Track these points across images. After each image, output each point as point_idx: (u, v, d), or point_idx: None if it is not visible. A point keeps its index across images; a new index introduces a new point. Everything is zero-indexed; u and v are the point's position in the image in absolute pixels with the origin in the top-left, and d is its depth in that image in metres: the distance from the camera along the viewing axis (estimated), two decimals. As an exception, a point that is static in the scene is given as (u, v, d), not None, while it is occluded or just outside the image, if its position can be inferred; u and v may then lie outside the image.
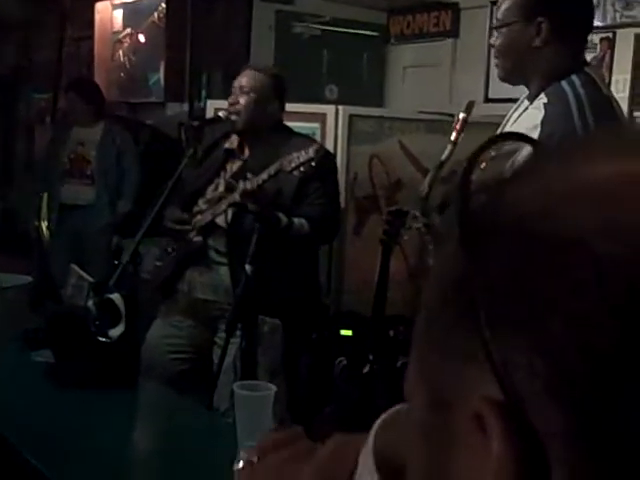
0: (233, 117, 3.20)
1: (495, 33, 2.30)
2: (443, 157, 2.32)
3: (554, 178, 0.37)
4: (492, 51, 5.09)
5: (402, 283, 3.99)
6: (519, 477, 0.34)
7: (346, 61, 5.52)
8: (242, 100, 3.18)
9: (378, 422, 0.53)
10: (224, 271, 3.13)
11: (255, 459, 0.60)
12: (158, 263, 3.30)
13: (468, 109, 2.36)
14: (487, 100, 5.04)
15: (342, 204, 3.84)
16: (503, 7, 2.24)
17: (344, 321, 3.66)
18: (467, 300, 0.36)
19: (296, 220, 2.99)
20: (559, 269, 0.33)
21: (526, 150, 0.43)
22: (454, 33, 5.33)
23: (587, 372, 0.32)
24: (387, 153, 4.31)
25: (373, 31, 5.61)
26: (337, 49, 5.48)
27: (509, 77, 2.33)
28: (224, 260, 3.14)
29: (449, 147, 2.32)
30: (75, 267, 2.84)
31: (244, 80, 3.23)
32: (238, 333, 2.69)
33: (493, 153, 1.64)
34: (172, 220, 3.25)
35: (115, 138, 5.39)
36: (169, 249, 3.29)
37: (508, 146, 1.66)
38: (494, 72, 4.93)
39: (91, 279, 2.69)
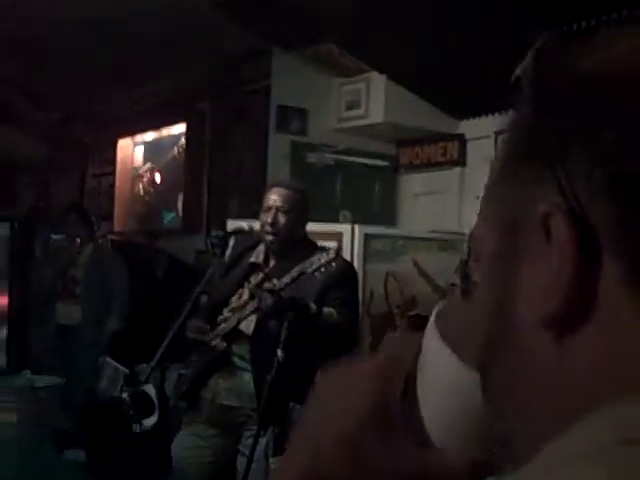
0: (271, 237, 3.29)
1: None
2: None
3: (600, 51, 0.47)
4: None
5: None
6: (577, 259, 0.43)
7: (358, 189, 5.75)
8: (281, 220, 3.27)
9: (434, 312, 0.61)
10: (248, 377, 3.19)
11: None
12: (182, 371, 3.36)
13: None
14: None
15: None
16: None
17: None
18: (535, 135, 0.47)
19: (325, 309, 3.07)
20: (613, 100, 0.44)
21: None
22: (461, 162, 5.56)
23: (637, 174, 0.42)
24: (401, 271, 4.43)
25: (384, 161, 5.86)
26: (350, 177, 5.72)
27: None
28: (248, 366, 3.20)
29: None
30: (110, 360, 2.91)
31: (279, 199, 3.31)
32: (262, 433, 2.73)
33: None
34: (193, 330, 3.33)
35: (101, 258, 5.54)
36: (193, 357, 3.36)
37: None
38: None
39: (127, 371, 2.76)
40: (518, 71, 0.51)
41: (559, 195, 0.44)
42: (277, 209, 3.29)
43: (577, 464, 0.40)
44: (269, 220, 3.28)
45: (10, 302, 8.36)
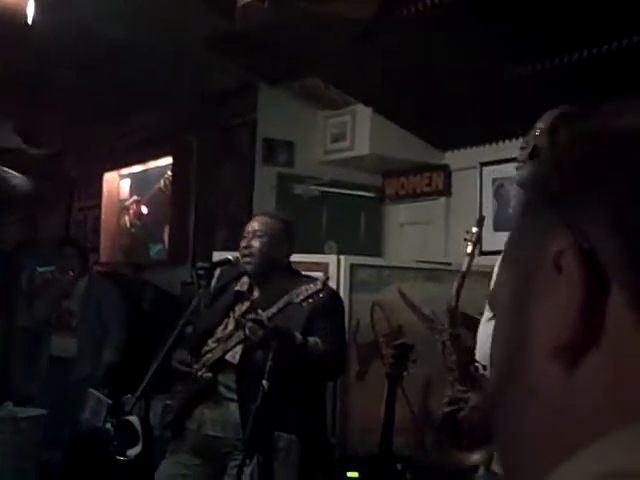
0: (246, 259, 3.34)
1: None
2: (464, 268, 2.47)
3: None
4: (484, 207, 5.32)
5: (405, 430, 4.02)
6: (586, 289, 0.46)
7: (344, 220, 5.78)
8: (255, 243, 3.33)
9: None
10: (233, 407, 3.18)
11: None
12: (167, 402, 3.35)
13: (479, 224, 2.53)
14: (481, 253, 5.22)
15: (345, 349, 3.93)
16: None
17: (350, 463, 3.67)
18: (545, 189, 0.52)
19: (311, 338, 3.08)
20: (615, 153, 0.49)
21: None
22: (446, 192, 5.61)
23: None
24: (387, 300, 4.44)
25: (369, 192, 5.90)
26: (336, 209, 5.75)
27: None
28: (233, 396, 3.20)
29: (466, 260, 2.48)
30: (93, 391, 2.90)
31: (256, 225, 3.39)
32: (248, 462, 2.72)
33: None
34: (178, 361, 3.34)
35: (96, 290, 5.56)
36: (178, 387, 3.36)
37: None
38: (487, 226, 5.17)
39: (109, 401, 2.75)
40: (534, 141, 0.59)
41: (569, 235, 0.48)
42: (253, 233, 3.34)
43: None
44: (244, 244, 3.34)
45: (-5, 334, 8.32)
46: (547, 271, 0.48)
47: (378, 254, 5.73)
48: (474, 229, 2.54)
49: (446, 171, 5.63)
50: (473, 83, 4.54)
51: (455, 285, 2.53)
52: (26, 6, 3.40)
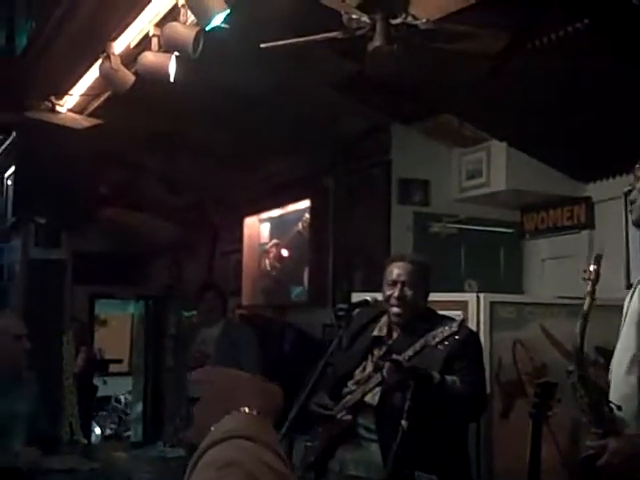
0: (397, 310, 3.35)
1: None
2: (585, 308, 2.40)
3: None
4: (630, 238, 5.11)
5: (553, 471, 3.87)
6: None
7: (483, 257, 5.70)
8: (408, 293, 3.35)
9: None
10: (374, 448, 3.18)
11: None
12: (308, 443, 3.38)
13: (597, 261, 2.46)
14: (629, 287, 5.00)
15: (488, 388, 3.84)
16: None
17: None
18: None
19: (448, 377, 3.05)
20: None
21: None
22: (589, 225, 5.43)
23: None
24: (530, 338, 4.33)
25: (508, 228, 5.80)
26: (474, 246, 5.68)
27: None
28: (374, 437, 3.19)
29: (587, 299, 2.41)
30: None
31: (402, 273, 3.39)
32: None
33: None
34: (318, 405, 3.36)
35: (232, 334, 5.66)
36: (319, 429, 3.38)
37: None
38: (634, 259, 4.96)
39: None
40: None
41: None
42: (403, 283, 3.35)
43: None
44: (396, 294, 3.34)
45: (146, 377, 8.65)
46: None
47: (519, 291, 5.60)
48: (592, 267, 2.47)
49: (588, 203, 5.46)
50: (611, 110, 4.41)
51: (579, 326, 2.45)
52: (169, 65, 3.58)
